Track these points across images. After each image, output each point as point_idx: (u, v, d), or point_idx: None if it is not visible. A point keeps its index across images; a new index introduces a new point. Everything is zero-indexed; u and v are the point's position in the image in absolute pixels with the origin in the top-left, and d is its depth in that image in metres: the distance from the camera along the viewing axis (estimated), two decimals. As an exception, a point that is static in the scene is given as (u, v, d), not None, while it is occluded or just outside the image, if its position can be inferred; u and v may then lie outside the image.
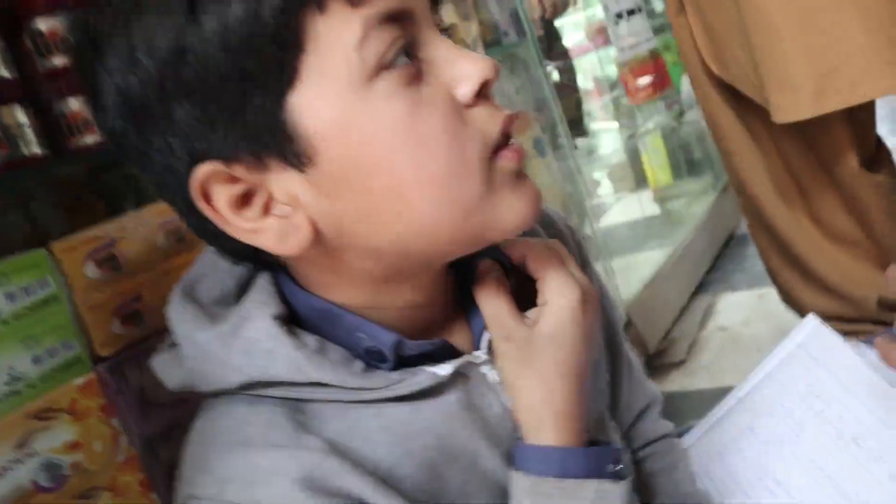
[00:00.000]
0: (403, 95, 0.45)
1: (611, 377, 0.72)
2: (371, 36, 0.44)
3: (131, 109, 0.45)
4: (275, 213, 0.47)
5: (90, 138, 0.73)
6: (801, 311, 1.33)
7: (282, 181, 0.46)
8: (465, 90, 0.47)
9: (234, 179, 0.46)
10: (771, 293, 1.45)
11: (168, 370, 0.53)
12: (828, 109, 0.88)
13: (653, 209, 3.16)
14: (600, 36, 3.33)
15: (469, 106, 0.47)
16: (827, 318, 0.79)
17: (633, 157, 3.52)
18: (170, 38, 0.42)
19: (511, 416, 0.53)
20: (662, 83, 2.95)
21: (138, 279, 0.73)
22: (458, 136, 0.46)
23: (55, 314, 0.66)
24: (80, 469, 0.67)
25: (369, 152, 0.45)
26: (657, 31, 2.62)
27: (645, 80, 2.84)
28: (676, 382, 1.83)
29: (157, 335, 0.67)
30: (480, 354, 0.54)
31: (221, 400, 0.52)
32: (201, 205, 0.46)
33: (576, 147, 2.61)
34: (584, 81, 4.35)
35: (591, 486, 0.49)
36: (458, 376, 0.53)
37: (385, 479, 0.48)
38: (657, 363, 1.92)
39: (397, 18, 0.45)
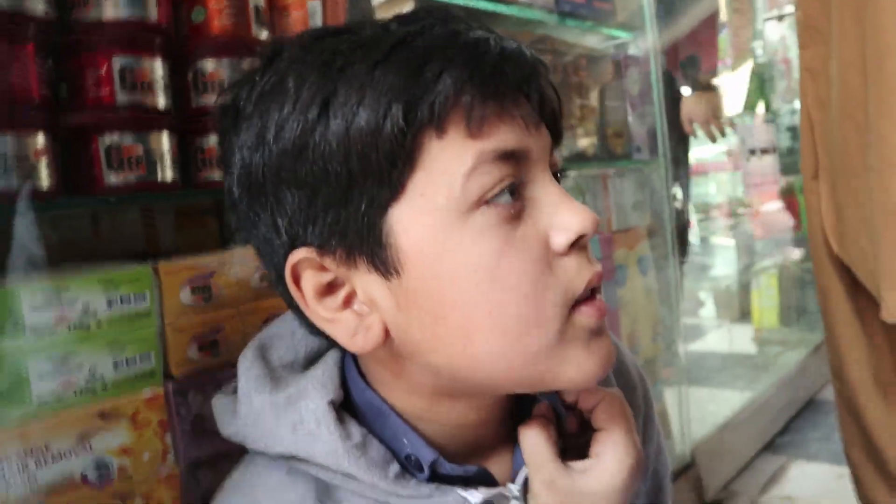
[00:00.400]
0: (497, 233, 0.46)
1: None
2: (481, 169, 0.45)
3: (249, 182, 0.49)
4: (353, 308, 0.49)
5: (219, 174, 0.78)
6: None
7: (366, 282, 0.48)
8: (560, 239, 0.47)
9: (323, 268, 0.49)
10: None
11: (224, 416, 0.57)
12: (934, 320, 0.84)
13: (749, 348, 3.05)
14: (737, 159, 3.29)
15: (560, 255, 0.47)
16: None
17: (744, 288, 3.42)
18: (298, 130, 0.46)
19: None
20: (791, 223, 2.87)
21: (224, 312, 0.77)
22: (541, 283, 0.46)
23: (143, 327, 0.71)
24: (125, 474, 0.71)
25: (450, 281, 0.46)
26: (789, 169, 2.56)
27: (773, 216, 2.77)
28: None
29: (228, 367, 0.71)
30: (514, 489, 0.54)
31: (263, 460, 0.54)
32: (290, 285, 0.49)
33: (683, 263, 2.56)
34: (715, 196, 4.26)
35: None
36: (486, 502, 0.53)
37: None
38: (710, 513, 1.83)
39: (512, 157, 0.46)
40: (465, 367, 0.48)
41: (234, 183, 0.51)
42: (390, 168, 0.45)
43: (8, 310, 0.63)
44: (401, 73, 0.44)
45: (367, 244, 0.47)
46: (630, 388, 0.66)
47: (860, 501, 1.28)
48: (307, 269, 0.49)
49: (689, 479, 1.79)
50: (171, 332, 0.74)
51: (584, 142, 1.42)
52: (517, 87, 0.47)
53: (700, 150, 3.84)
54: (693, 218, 4.08)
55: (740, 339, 3.15)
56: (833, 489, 1.86)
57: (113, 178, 0.71)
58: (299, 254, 0.48)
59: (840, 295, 1.12)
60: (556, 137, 0.52)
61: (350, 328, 0.49)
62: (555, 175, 0.51)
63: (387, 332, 0.49)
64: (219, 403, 0.58)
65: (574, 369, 0.48)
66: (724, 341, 3.21)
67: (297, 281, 0.49)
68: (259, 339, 0.59)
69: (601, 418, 0.53)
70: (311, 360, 0.58)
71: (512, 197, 0.46)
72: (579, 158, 1.39)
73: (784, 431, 2.32)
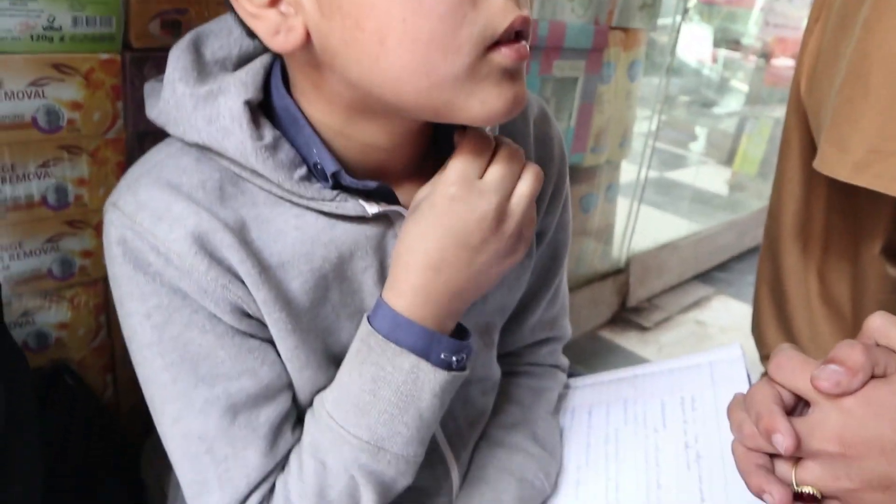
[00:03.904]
0: None
1: (530, 297, 0.77)
2: None
3: None
4: (279, 8, 0.49)
5: None
6: (758, 343, 1.37)
7: None
8: None
9: None
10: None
11: (150, 99, 0.59)
12: (859, 183, 0.87)
13: (719, 187, 3.11)
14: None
15: None
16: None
17: (738, 132, 3.41)
18: None
19: None
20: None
21: (193, -4, 0.77)
22: (459, 12, 0.46)
23: (108, -11, 0.72)
24: (74, 126, 0.75)
25: None
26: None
27: (784, 65, 2.71)
28: (628, 341, 1.89)
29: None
30: None
31: (179, 143, 0.57)
32: None
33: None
34: (741, 32, 4.09)
35: (409, 361, 0.54)
36: (384, 217, 0.58)
37: (278, 270, 0.55)
38: (626, 316, 1.97)
39: None
40: (377, 82, 0.49)
41: None
42: None
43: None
44: None
45: None
46: (548, 159, 0.69)
47: (752, 333, 1.40)
48: None
49: (618, 282, 1.91)
50: (136, 1, 0.74)
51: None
52: None
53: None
54: (718, 51, 3.95)
55: (716, 179, 3.20)
56: (743, 325, 2.01)
57: None
58: None
59: (797, 142, 1.15)
60: None
61: (273, 26, 0.49)
62: None
63: (308, 37, 0.49)
64: (149, 86, 0.60)
65: (478, 105, 0.49)
66: (700, 176, 3.26)
67: None
68: (196, 31, 0.59)
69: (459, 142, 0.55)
70: (242, 62, 0.59)
71: None
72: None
73: (722, 268, 2.44)
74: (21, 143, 0.73)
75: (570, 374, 0.93)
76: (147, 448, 0.79)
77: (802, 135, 1.12)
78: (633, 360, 1.78)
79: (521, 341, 0.82)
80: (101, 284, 0.83)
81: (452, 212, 0.53)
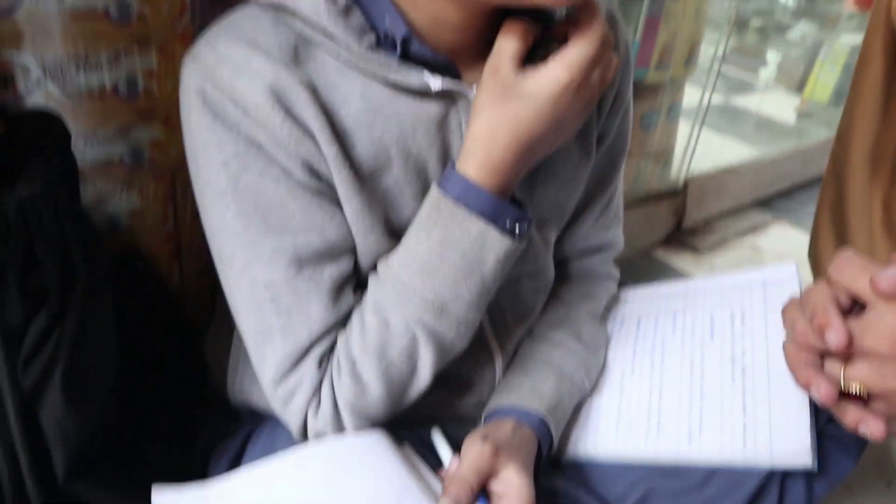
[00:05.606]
0: None
1: (585, 203, 0.78)
2: None
3: None
4: None
5: None
6: (814, 268, 1.34)
7: None
8: None
9: None
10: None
11: None
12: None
13: (787, 115, 2.99)
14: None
15: None
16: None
17: (811, 58, 3.26)
18: None
19: None
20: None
21: None
22: None
23: None
24: (144, 19, 0.77)
25: None
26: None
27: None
28: (682, 262, 1.88)
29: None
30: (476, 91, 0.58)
31: (257, 6, 0.58)
32: None
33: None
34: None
35: (478, 225, 0.56)
36: (447, 96, 0.59)
37: (343, 134, 0.56)
38: (681, 238, 1.95)
39: None
40: None
41: None
42: None
43: None
44: None
45: None
46: (616, 45, 0.68)
47: (809, 257, 1.37)
48: None
49: (674, 203, 1.88)
50: None
51: None
52: None
53: None
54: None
55: (784, 106, 3.09)
56: (800, 252, 1.97)
57: None
58: None
59: (879, 64, 1.09)
60: None
61: None
62: None
63: None
64: None
65: None
66: (764, 103, 3.14)
67: None
68: None
69: (577, 35, 0.55)
70: None
71: None
72: None
73: (784, 195, 2.38)
74: (94, 34, 0.75)
75: (621, 286, 0.93)
76: (212, 328, 0.83)
77: (885, 57, 1.07)
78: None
79: (573, 246, 0.82)
80: (169, 175, 0.86)
81: (558, 106, 0.54)
